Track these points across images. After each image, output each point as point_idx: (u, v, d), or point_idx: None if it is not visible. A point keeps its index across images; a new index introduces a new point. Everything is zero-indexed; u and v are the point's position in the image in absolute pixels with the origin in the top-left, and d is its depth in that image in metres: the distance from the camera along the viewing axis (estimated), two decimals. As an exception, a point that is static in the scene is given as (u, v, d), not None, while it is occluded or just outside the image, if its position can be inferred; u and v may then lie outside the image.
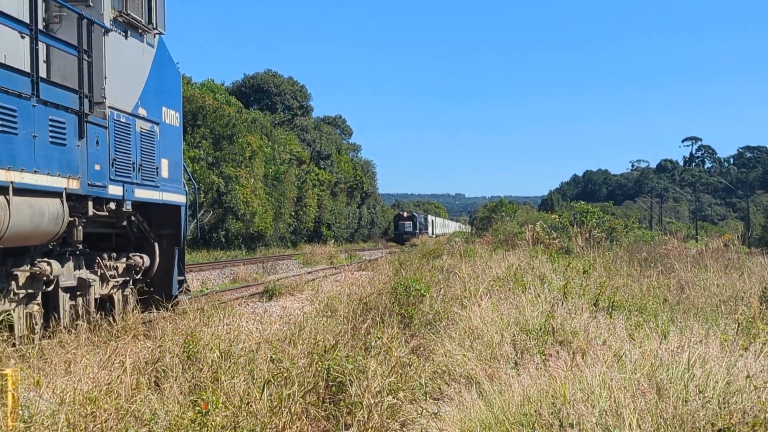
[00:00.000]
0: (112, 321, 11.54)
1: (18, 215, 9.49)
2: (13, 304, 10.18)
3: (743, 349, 7.35)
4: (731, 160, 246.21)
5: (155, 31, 13.73)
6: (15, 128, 9.44)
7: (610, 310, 10.92)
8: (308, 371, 7.45)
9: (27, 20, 9.96)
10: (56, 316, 11.16)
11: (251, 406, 6.54)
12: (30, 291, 10.59)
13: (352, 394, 7.10)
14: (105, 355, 8.00)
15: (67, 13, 11.17)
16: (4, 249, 9.79)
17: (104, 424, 5.95)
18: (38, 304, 10.82)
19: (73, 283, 11.68)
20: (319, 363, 7.52)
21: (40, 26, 10.35)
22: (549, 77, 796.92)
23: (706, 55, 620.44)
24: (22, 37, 9.96)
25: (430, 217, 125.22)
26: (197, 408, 6.15)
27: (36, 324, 10.60)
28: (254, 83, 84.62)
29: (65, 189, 10.58)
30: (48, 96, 10.18)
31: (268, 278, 26.52)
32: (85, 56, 11.09)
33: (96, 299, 12.39)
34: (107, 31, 11.97)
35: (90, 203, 11.56)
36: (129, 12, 12.59)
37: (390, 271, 19.67)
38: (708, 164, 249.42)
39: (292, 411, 6.71)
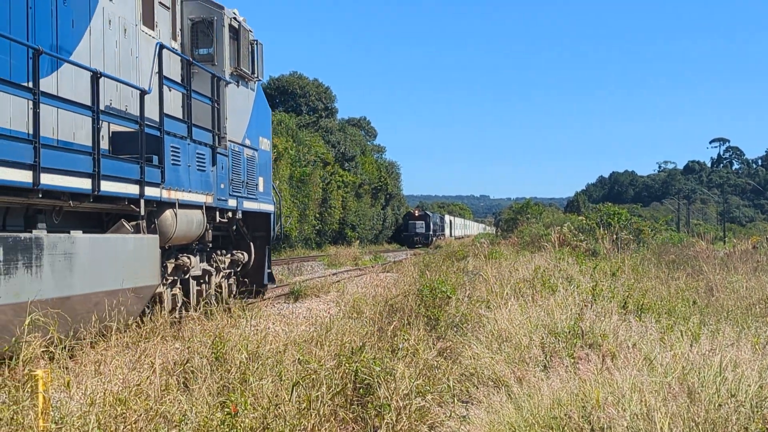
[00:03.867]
0: (224, 304, 14.05)
1: (180, 223, 13.04)
2: (164, 287, 13.24)
3: (776, 353, 7.28)
4: (759, 161, 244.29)
5: (256, 78, 17.62)
6: (179, 161, 13.07)
7: (639, 312, 10.84)
8: (336, 373, 7.43)
9: (183, 82, 13.96)
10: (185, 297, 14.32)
11: (280, 407, 6.52)
12: (174, 278, 13.80)
13: (380, 397, 7.07)
14: (134, 356, 8.02)
15: (199, 71, 14.72)
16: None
17: (134, 425, 5.96)
18: (179, 288, 14.06)
19: (199, 273, 14.97)
20: (347, 365, 7.49)
21: (178, 79, 13.97)
22: (576, 77, 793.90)
23: (734, 55, 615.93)
24: (169, 90, 13.26)
25: (447, 217, 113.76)
26: (226, 410, 6.15)
27: (177, 303, 13.73)
28: (279, 85, 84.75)
29: (204, 203, 14.23)
30: (196, 136, 13.82)
31: (294, 279, 26.55)
32: (215, 104, 14.86)
33: (214, 286, 15.76)
34: (227, 83, 15.64)
35: (217, 213, 15.24)
36: (241, 67, 16.36)
37: (415, 272, 19.62)
38: (736, 165, 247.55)
39: (321, 413, 6.69)
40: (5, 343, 7.75)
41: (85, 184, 10.35)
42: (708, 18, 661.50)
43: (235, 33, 16.13)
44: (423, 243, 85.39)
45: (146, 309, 12.08)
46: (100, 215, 11.88)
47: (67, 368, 7.55)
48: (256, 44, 17.34)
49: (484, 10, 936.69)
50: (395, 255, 53.10)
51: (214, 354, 8.07)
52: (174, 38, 14.49)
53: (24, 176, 9.11)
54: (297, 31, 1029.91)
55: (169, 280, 13.54)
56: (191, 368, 7.87)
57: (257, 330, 9.56)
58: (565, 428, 6.00)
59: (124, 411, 6.02)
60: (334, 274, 29.55)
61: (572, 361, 7.58)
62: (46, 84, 9.80)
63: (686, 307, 12.17)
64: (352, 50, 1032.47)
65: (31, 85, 9.34)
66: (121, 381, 6.72)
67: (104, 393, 6.23)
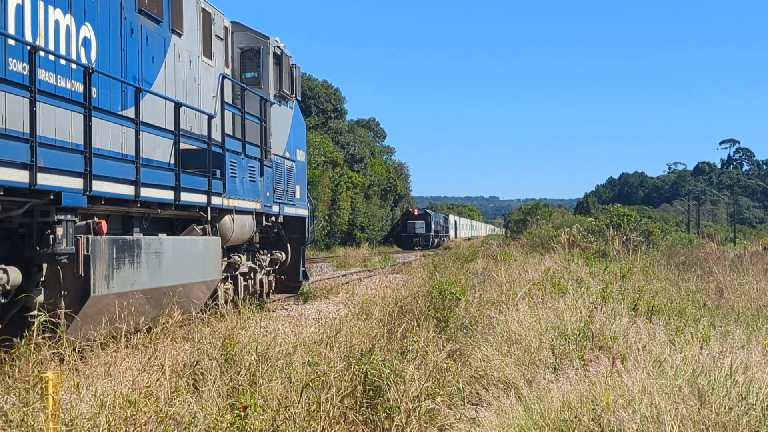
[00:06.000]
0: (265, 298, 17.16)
1: (237, 227, 15.26)
2: (219, 282, 14.96)
3: (787, 355, 7.25)
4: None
5: (294, 97, 19.99)
6: (235, 174, 15.19)
7: (650, 314, 10.81)
8: (345, 375, 7.42)
9: (236, 103, 16.30)
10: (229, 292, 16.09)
11: (289, 409, 6.52)
12: (227, 274, 15.83)
13: (389, 399, 7.06)
14: (144, 358, 8.03)
15: (248, 93, 16.66)
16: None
17: (144, 427, 5.97)
18: (230, 283, 16.07)
19: (246, 270, 17.09)
20: (356, 367, 7.48)
21: (230, 101, 16.02)
22: (585, 79, 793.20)
23: (743, 57, 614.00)
24: (224, 110, 14.99)
25: (452, 217, 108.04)
26: (236, 411, 6.15)
27: (229, 296, 15.64)
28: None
29: (254, 209, 16.37)
30: (248, 151, 15.97)
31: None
32: (263, 122, 17.22)
33: (258, 281, 17.92)
34: (272, 104, 17.94)
35: (263, 218, 17.31)
36: (282, 89, 18.75)
37: (424, 274, 19.61)
38: (746, 167, 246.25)
39: (330, 415, 6.69)
40: (115, 324, 9.67)
41: (169, 195, 12.55)
42: (718, 22, 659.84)
43: (278, 59, 18.45)
44: (423, 245, 79.59)
45: (209, 300, 14.07)
46: (172, 220, 13.87)
47: (77, 370, 7.58)
48: (295, 68, 19.70)
49: (494, 14, 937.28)
50: (405, 256, 53.04)
51: (223, 356, 8.08)
52: (227, 65, 16.74)
53: (128, 190, 11.37)
54: (305, 32, 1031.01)
55: (222, 277, 15.23)
56: (201, 370, 7.88)
57: (267, 332, 9.56)
58: (575, 431, 5.99)
59: (134, 413, 6.02)
60: (343, 276, 29.50)
61: (582, 363, 7.57)
62: (133, 111, 11.76)
63: (696, 309, 12.13)
64: (361, 51, 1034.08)
65: (125, 113, 11.59)
66: (131, 383, 6.72)
67: (114, 395, 6.23)
